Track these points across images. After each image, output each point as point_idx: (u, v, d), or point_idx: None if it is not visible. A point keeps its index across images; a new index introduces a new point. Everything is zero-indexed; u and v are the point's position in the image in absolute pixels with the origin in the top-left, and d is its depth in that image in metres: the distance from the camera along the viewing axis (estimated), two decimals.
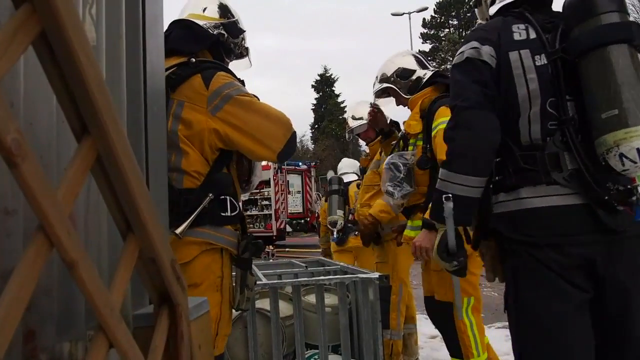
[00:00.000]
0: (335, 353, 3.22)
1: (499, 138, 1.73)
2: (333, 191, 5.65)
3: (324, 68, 53.14)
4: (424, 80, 3.20)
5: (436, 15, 46.49)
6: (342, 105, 48.86)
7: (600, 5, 1.57)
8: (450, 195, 1.71)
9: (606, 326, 1.65)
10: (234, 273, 2.02)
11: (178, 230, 1.75)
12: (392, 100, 3.48)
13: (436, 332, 4.51)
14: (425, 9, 30.71)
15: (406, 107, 3.33)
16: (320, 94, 52.66)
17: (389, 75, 3.32)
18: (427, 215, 2.81)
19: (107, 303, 0.72)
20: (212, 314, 1.82)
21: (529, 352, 1.73)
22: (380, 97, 3.51)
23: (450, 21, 46.89)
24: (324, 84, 51.17)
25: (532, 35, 1.73)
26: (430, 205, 2.64)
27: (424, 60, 3.38)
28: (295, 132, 2.02)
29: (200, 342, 1.10)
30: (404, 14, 30.24)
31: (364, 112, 3.85)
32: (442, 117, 2.83)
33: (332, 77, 51.91)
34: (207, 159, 1.90)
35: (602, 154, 1.53)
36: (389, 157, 3.21)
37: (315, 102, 53.52)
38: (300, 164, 21.42)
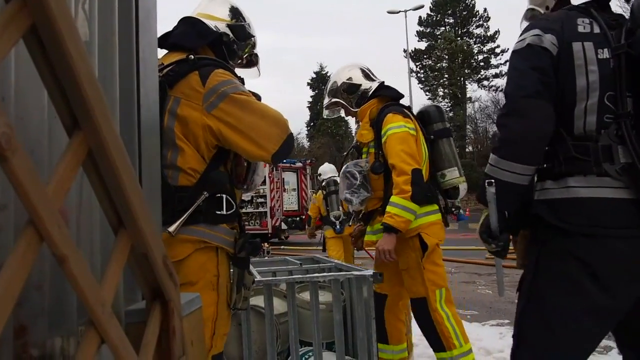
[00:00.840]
0: (330, 350, 3.23)
1: (552, 128, 1.73)
2: (331, 192, 7.46)
3: (320, 65, 53.18)
4: (370, 92, 3.40)
5: (432, 13, 46.48)
6: None
7: None
8: (492, 180, 1.72)
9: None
10: (232, 271, 2.01)
11: (171, 229, 1.74)
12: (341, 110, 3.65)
13: None
14: (422, 7, 30.73)
15: (354, 119, 3.55)
16: (316, 91, 52.59)
17: (336, 89, 3.51)
18: (385, 219, 2.99)
19: (98, 298, 0.72)
20: (208, 313, 1.82)
21: (526, 338, 1.74)
22: (329, 109, 3.64)
23: (446, 19, 46.90)
24: (320, 82, 51.09)
25: (597, 30, 1.74)
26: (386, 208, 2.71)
27: (369, 73, 3.56)
28: (291, 134, 2.00)
29: (193, 338, 1.10)
30: (400, 11, 30.25)
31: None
32: (390, 124, 3.08)
33: (328, 74, 51.79)
34: (204, 157, 1.88)
35: None
36: (344, 166, 3.40)
37: (311, 99, 53.47)
38: (296, 161, 21.41)
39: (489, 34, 45.11)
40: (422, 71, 46.43)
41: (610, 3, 1.91)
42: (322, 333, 2.94)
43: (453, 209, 3.43)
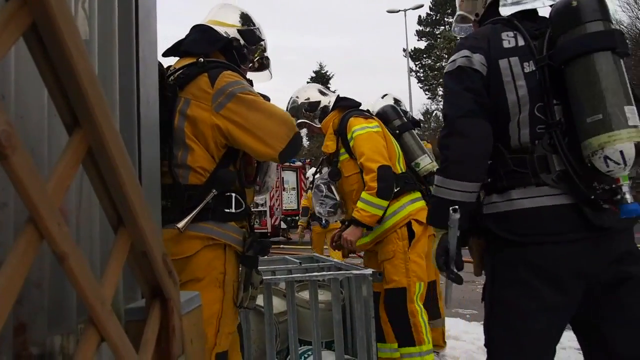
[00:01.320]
0: (329, 349, 3.23)
1: (492, 144, 1.80)
2: None
3: (320, 65, 53.12)
4: (330, 106, 3.56)
5: (432, 13, 46.45)
6: None
7: (585, 14, 1.63)
8: (457, 206, 1.76)
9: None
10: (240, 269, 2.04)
11: (180, 225, 1.76)
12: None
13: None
14: (421, 6, 30.68)
15: (318, 134, 3.69)
16: None
17: (297, 109, 3.64)
18: (353, 213, 3.14)
19: (98, 296, 0.72)
20: (213, 310, 1.85)
21: (494, 342, 1.84)
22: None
23: (445, 18, 46.86)
24: (320, 81, 51.11)
25: (521, 42, 1.79)
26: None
27: (324, 90, 3.75)
28: (298, 133, 2.04)
29: (192, 336, 1.10)
30: (399, 11, 30.22)
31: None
32: (354, 127, 3.23)
33: (328, 73, 51.85)
34: (213, 156, 1.92)
35: (588, 156, 1.60)
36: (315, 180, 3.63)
37: None
38: (295, 161, 21.40)
39: None
40: (421, 70, 46.43)
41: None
42: (322, 332, 2.95)
43: None
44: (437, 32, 46.66)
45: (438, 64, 45.41)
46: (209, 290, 1.84)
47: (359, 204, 3.09)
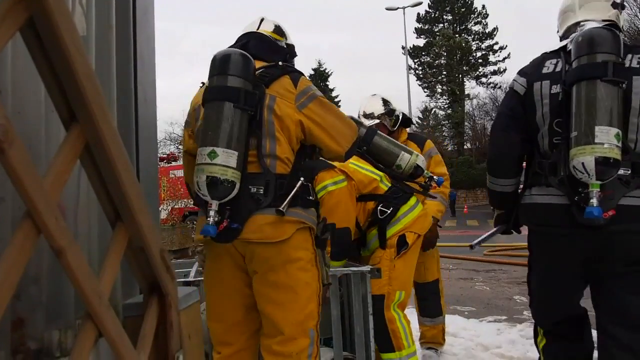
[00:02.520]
0: (327, 346, 3.23)
1: (518, 151, 2.30)
2: None
3: (318, 62, 53.01)
4: None
5: (430, 10, 46.31)
6: (336, 99, 48.79)
7: (580, 49, 2.01)
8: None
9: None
10: None
11: (281, 207, 1.91)
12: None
13: None
14: (420, 3, 30.60)
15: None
16: None
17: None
18: None
19: (95, 291, 0.72)
20: (313, 288, 2.05)
21: (531, 292, 2.49)
22: None
23: (444, 16, 46.75)
24: (318, 79, 51.00)
25: (559, 68, 2.13)
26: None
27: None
28: (358, 136, 2.31)
29: (190, 331, 1.10)
30: (398, 8, 30.16)
31: (375, 107, 3.90)
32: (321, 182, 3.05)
33: (326, 71, 51.70)
34: (293, 149, 2.12)
35: (570, 163, 1.94)
36: None
37: None
38: None
39: (487, 30, 44.95)
40: (420, 68, 46.30)
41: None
42: (320, 328, 2.95)
43: (428, 181, 3.42)
44: (435, 30, 46.59)
45: (437, 61, 45.36)
46: (308, 269, 2.03)
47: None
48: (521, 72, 2.30)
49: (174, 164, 18.76)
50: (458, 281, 7.15)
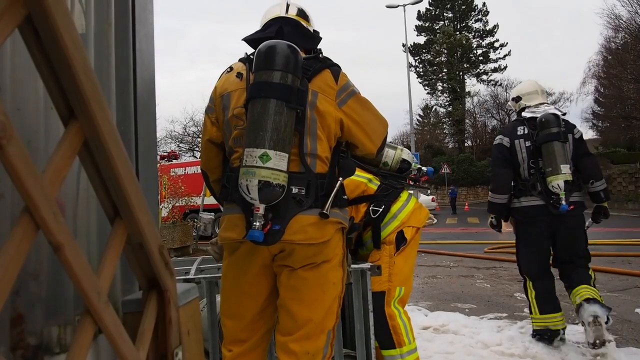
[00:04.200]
0: None
1: (511, 179, 3.93)
2: None
3: None
4: None
5: (431, 8, 46.28)
6: None
7: (543, 125, 3.76)
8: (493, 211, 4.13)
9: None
10: None
11: (325, 209, 1.88)
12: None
13: (428, 323, 4.54)
14: (420, 1, 30.53)
15: None
16: None
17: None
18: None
19: (94, 286, 0.73)
20: (339, 289, 2.01)
21: (521, 254, 4.03)
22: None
23: (445, 14, 46.69)
24: None
25: (525, 131, 3.89)
26: None
27: None
28: (387, 134, 2.26)
29: (189, 328, 1.10)
30: (398, 6, 30.10)
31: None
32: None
33: None
34: (330, 147, 2.05)
35: (549, 184, 3.71)
36: None
37: None
38: None
39: (487, 28, 44.95)
40: (421, 65, 46.28)
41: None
42: None
43: (418, 173, 3.42)
44: (436, 28, 46.50)
45: (437, 59, 45.30)
46: (336, 270, 1.99)
47: None
48: (504, 133, 4.04)
49: (174, 162, 18.74)
50: (459, 278, 7.15)
